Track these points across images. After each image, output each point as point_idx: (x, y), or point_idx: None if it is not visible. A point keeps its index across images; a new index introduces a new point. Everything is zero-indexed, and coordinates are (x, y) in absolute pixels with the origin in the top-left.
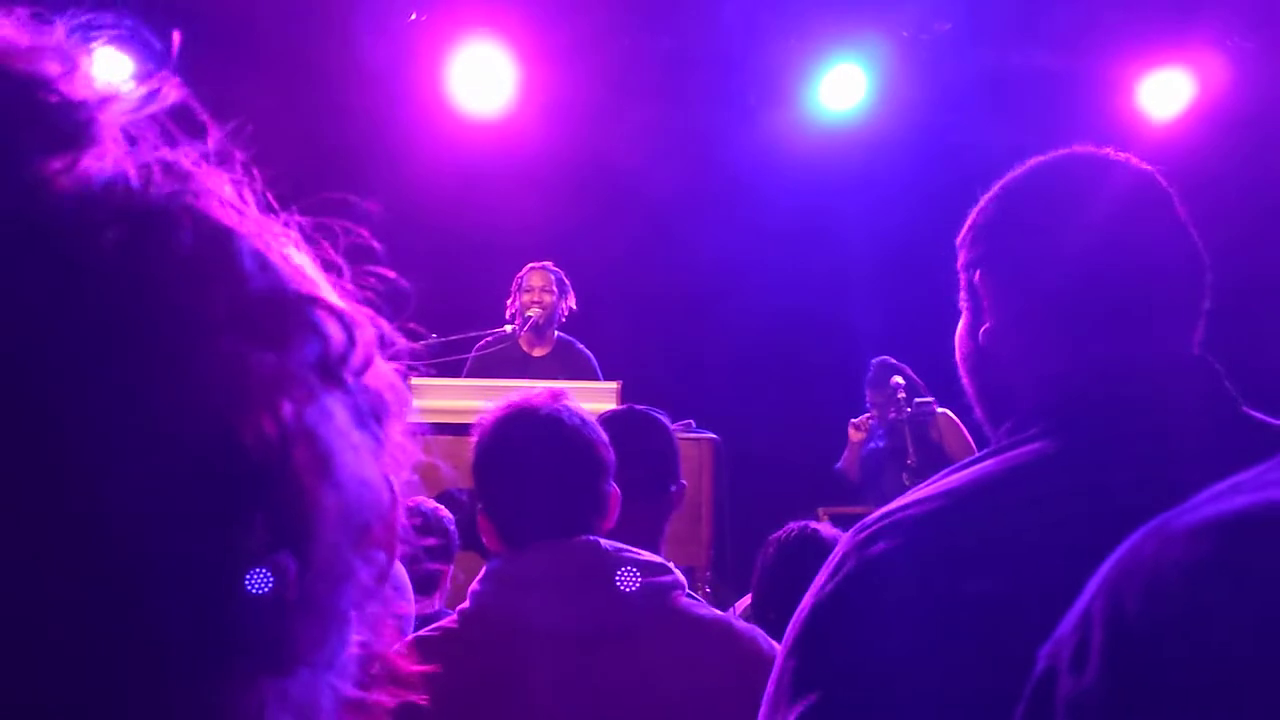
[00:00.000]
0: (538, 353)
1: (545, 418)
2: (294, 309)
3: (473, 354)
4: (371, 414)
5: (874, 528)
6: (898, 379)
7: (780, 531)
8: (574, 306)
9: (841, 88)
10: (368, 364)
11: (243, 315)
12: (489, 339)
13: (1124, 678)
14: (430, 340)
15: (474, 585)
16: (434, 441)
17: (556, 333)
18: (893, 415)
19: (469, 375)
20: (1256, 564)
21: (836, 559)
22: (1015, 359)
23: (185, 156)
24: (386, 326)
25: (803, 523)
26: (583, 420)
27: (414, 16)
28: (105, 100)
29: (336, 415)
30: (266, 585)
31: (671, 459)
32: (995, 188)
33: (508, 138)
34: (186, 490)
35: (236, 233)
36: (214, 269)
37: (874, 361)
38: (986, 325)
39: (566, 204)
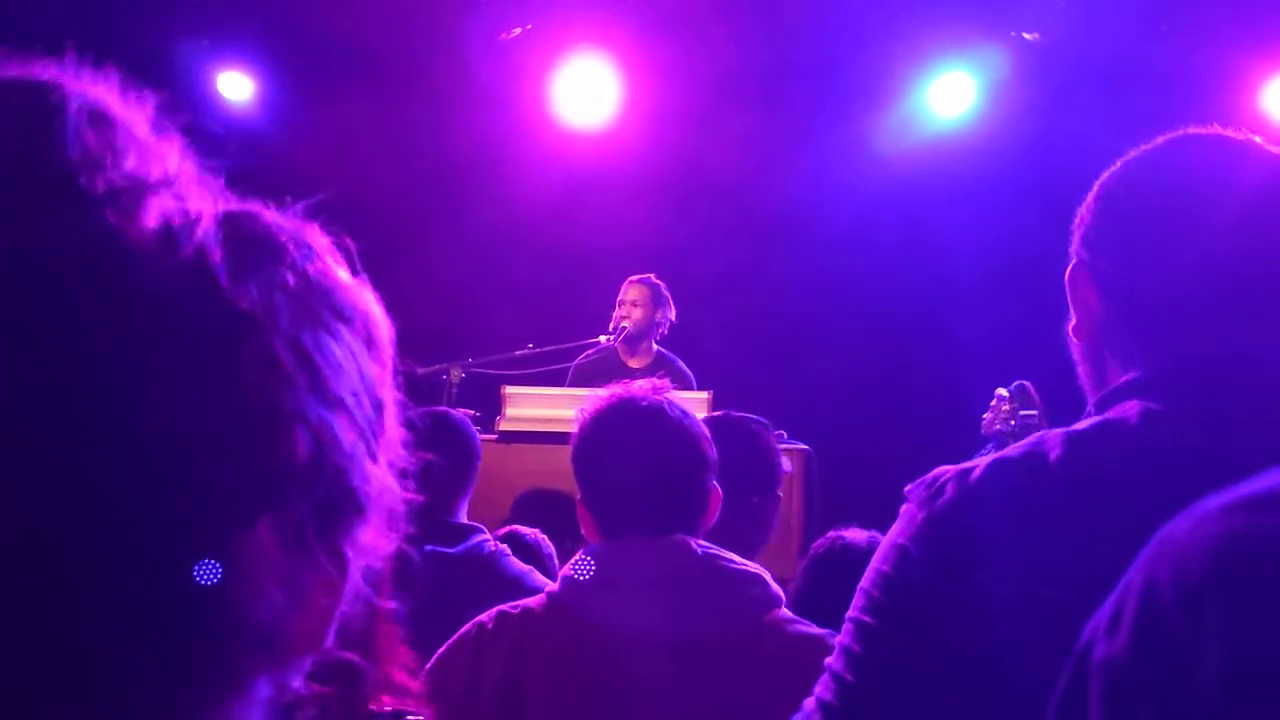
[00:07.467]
0: (635, 364)
1: (647, 408)
2: (271, 423)
3: (574, 365)
4: (330, 516)
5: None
6: (1002, 390)
7: (815, 545)
8: (673, 319)
9: (951, 95)
10: (337, 475)
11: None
12: (590, 351)
13: (1149, 646)
14: (527, 350)
15: (565, 570)
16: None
17: (656, 346)
18: (998, 428)
19: (571, 385)
20: (1274, 542)
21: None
22: (1115, 354)
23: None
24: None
25: (835, 534)
26: (684, 413)
27: (517, 31)
28: (157, 174)
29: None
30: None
31: (758, 471)
32: (1105, 174)
33: (611, 150)
34: None
35: (248, 323)
36: (189, 358)
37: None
38: (1073, 322)
39: (669, 215)
